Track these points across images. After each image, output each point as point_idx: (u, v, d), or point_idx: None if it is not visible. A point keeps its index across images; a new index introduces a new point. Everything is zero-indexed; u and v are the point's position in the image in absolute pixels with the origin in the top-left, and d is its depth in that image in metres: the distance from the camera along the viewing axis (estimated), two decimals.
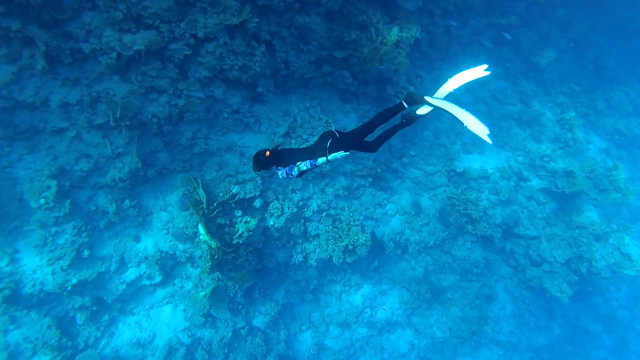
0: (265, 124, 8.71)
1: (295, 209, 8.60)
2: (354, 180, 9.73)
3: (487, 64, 4.31)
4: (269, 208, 8.39)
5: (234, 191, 7.98)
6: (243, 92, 8.35)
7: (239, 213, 7.99)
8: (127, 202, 7.69)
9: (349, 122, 9.58)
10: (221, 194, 8.00)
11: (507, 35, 10.83)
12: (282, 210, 8.46)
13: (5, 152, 6.67)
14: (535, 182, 11.19)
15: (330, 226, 8.95)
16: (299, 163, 4.06)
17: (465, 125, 4.10)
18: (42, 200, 6.88)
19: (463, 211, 10.10)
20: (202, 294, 7.94)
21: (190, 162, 8.16)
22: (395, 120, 4.57)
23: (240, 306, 8.61)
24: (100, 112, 7.13)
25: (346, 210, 9.34)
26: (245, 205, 8.16)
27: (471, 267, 10.51)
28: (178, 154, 8.04)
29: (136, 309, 8.01)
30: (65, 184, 7.13)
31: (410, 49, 9.26)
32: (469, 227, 10.26)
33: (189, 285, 8.26)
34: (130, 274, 7.81)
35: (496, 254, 11.00)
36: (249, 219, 7.98)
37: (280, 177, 4.07)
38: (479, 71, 4.19)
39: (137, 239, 7.93)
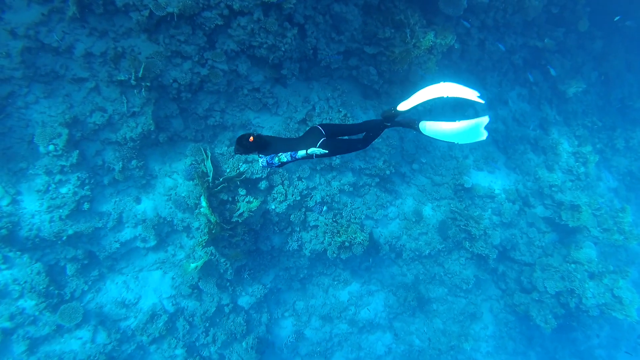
0: (283, 107, 8.71)
1: (299, 197, 8.68)
2: (361, 178, 9.80)
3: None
4: (273, 192, 8.47)
5: (241, 169, 8.04)
6: (267, 71, 8.33)
7: (242, 192, 8.06)
8: (134, 162, 7.75)
9: (367, 118, 9.60)
10: (228, 170, 8.06)
11: (553, 71, 10.79)
12: (286, 196, 8.54)
13: (23, 93, 6.68)
14: (539, 210, 11.29)
15: (330, 220, 9.05)
16: (280, 154, 3.98)
17: (447, 95, 4.05)
18: (51, 147, 6.92)
19: (464, 227, 10.22)
20: (193, 265, 8.07)
21: (202, 133, 8.19)
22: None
23: (228, 283, 8.76)
24: (122, 68, 7.12)
25: (348, 206, 9.44)
26: (250, 185, 8.23)
27: (461, 283, 10.68)
28: (192, 122, 8.07)
29: (126, 269, 8.15)
30: (76, 134, 7.17)
31: (441, 56, 9.23)
32: (467, 243, 10.40)
33: (181, 255, 8.39)
34: (126, 234, 7.91)
35: (488, 274, 11.16)
36: (251, 200, 8.07)
37: (261, 164, 4.03)
38: (472, 94, 4.08)
39: (137, 200, 8.01)
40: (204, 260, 8.05)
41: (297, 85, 8.90)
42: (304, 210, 8.90)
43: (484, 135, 4.02)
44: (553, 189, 11.21)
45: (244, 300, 9.00)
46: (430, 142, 10.79)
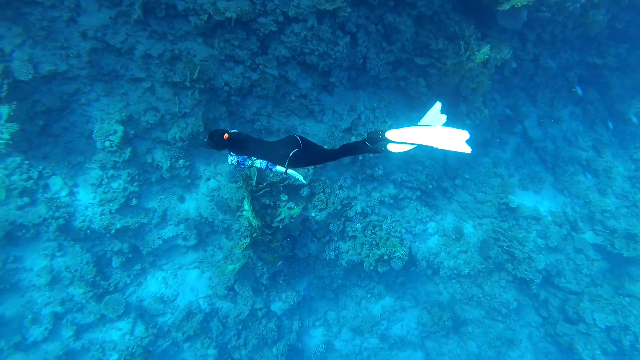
0: (328, 115, 8.72)
1: (339, 206, 8.62)
2: (402, 191, 9.64)
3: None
4: (314, 199, 8.45)
5: (284, 175, 8.07)
6: (315, 78, 8.37)
7: (284, 197, 8.10)
8: (181, 161, 7.96)
9: None
10: (271, 175, 8.12)
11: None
12: (326, 205, 8.51)
13: (86, 91, 7.02)
14: (588, 236, 10.67)
15: (370, 231, 8.93)
16: (255, 159, 3.79)
17: (437, 147, 3.79)
18: (107, 143, 7.22)
19: (507, 248, 9.81)
20: (230, 267, 8.16)
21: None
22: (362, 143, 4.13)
23: (263, 288, 8.81)
24: (177, 70, 7.34)
25: (388, 219, 9.28)
26: (292, 191, 8.26)
27: (500, 307, 10.25)
28: (239, 125, 8.20)
29: (166, 266, 8.35)
30: (130, 131, 7.44)
31: (494, 70, 8.96)
32: (509, 265, 9.98)
33: (219, 256, 8.51)
34: (169, 231, 8.12)
35: (529, 300, 10.65)
36: (293, 206, 8.09)
37: (229, 163, 3.80)
38: (462, 143, 3.76)
39: (181, 199, 8.21)
40: (242, 263, 8.13)
41: (344, 94, 8.88)
42: (343, 219, 8.84)
43: (467, 148, 3.72)
44: (605, 214, 10.58)
45: (277, 306, 9.01)
46: (474, 158, 10.49)
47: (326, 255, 8.96)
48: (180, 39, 7.36)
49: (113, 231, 7.47)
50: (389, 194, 9.35)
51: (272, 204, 8.04)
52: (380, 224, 9.17)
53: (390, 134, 3.89)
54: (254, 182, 7.81)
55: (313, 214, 8.46)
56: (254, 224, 7.59)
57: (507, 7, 7.61)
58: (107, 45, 6.98)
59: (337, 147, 4.30)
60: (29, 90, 6.60)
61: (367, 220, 9.05)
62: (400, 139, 3.90)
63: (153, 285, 8.16)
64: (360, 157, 8.91)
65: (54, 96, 6.83)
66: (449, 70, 8.34)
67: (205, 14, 6.99)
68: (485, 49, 8.16)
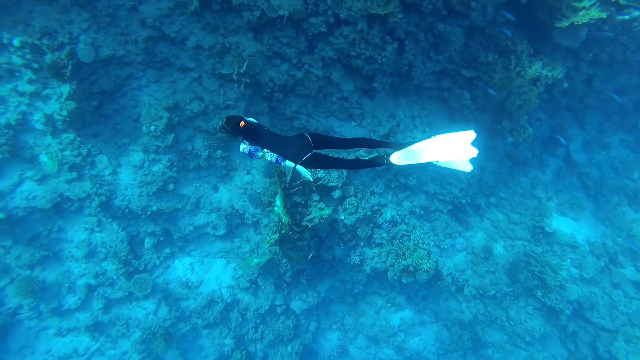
0: (367, 119, 8.71)
1: (370, 212, 8.59)
2: (434, 203, 9.50)
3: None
4: (345, 202, 8.46)
5: (319, 175, 8.14)
6: (358, 82, 8.39)
7: (316, 197, 8.16)
8: (219, 152, 8.17)
9: None
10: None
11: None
12: (357, 209, 8.50)
13: (139, 76, 7.33)
14: (629, 272, 10.13)
15: (397, 241, 8.85)
16: (267, 151, 3.86)
17: (440, 163, 3.93)
18: (152, 127, 7.51)
19: (538, 273, 9.47)
20: (255, 260, 8.29)
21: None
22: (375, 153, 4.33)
23: (285, 285, 8.89)
24: (225, 63, 7.55)
25: (417, 230, 9.17)
26: (324, 192, 8.30)
27: (524, 333, 9.89)
28: (278, 122, 8.33)
29: (194, 252, 8.59)
30: (174, 118, 7.70)
31: (543, 87, 8.68)
32: (539, 292, 9.63)
33: (246, 248, 8.67)
34: (200, 219, 8.34)
35: (556, 330, 10.22)
36: (323, 207, 8.13)
37: (241, 150, 3.86)
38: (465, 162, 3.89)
39: (215, 189, 8.43)
40: (267, 258, 8.24)
41: (385, 100, 8.85)
42: (372, 226, 8.80)
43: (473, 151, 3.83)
44: None
45: (297, 305, 9.07)
46: (512, 177, 10.19)
47: (351, 260, 8.94)
48: (231, 32, 7.56)
49: (149, 213, 7.76)
50: (421, 204, 9.24)
51: (303, 202, 8.11)
52: (409, 234, 9.06)
53: (394, 158, 4.06)
54: (287, 179, 7.90)
55: (342, 217, 8.47)
56: (283, 221, 7.68)
57: (566, 25, 7.37)
58: (163, 34, 7.27)
59: (348, 157, 4.36)
60: (88, 71, 6.97)
61: (396, 229, 8.97)
62: (404, 162, 4.04)
63: (180, 270, 8.41)
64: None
65: (109, 79, 7.17)
66: (496, 85, 8.16)
67: (259, 10, 7.15)
68: (537, 66, 7.93)
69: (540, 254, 9.69)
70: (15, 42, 6.31)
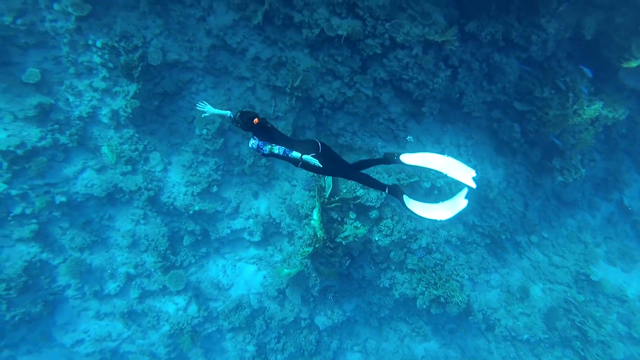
0: (412, 143, 8.75)
1: (405, 237, 8.55)
2: (472, 234, 9.31)
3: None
4: (381, 224, 8.47)
5: (357, 193, 8.23)
6: (407, 105, 8.49)
7: (353, 215, 8.24)
8: (263, 160, 8.47)
9: (494, 175, 9.14)
10: (345, 191, 8.32)
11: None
12: (392, 232, 8.48)
13: (198, 81, 7.81)
14: None
15: (430, 269, 8.73)
16: (274, 145, 3.92)
17: (446, 174, 4.10)
18: (204, 131, 7.95)
19: (579, 323, 8.99)
20: (286, 271, 8.44)
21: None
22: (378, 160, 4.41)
23: (312, 299, 8.96)
24: (280, 76, 7.90)
25: (452, 260, 9.00)
26: (362, 211, 8.37)
27: None
28: (324, 137, 8.54)
29: (228, 255, 8.87)
30: (225, 124, 8.11)
31: (602, 128, 8.40)
32: (577, 344, 9.11)
33: (278, 257, 8.85)
34: (237, 223, 8.63)
35: None
36: (359, 226, 8.19)
37: (249, 146, 3.96)
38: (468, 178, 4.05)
39: (255, 195, 8.71)
40: (298, 270, 8.37)
41: (432, 125, 8.88)
42: (405, 250, 8.73)
43: (473, 183, 4.02)
44: None
45: (321, 321, 9.09)
46: (557, 217, 9.81)
47: (380, 282, 8.89)
48: (289, 47, 7.91)
49: (191, 212, 8.13)
50: (458, 234, 9.09)
51: (339, 219, 8.22)
52: (443, 264, 8.91)
53: (404, 157, 4.24)
54: (327, 194, 8.06)
55: (377, 238, 8.48)
56: (319, 235, 7.80)
57: (634, 65, 7.15)
58: (225, 44, 7.73)
59: (355, 168, 4.38)
60: (154, 73, 7.51)
61: (430, 257, 8.85)
62: (413, 162, 4.21)
63: (213, 271, 8.70)
64: (428, 186, 8.77)
65: (171, 82, 7.69)
66: (550, 121, 7.99)
67: (318, 29, 7.46)
68: (597, 105, 7.71)
69: (583, 303, 9.21)
70: (98, 43, 6.96)
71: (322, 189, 8.15)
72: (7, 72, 6.89)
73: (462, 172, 4.11)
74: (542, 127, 8.23)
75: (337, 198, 8.08)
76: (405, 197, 4.26)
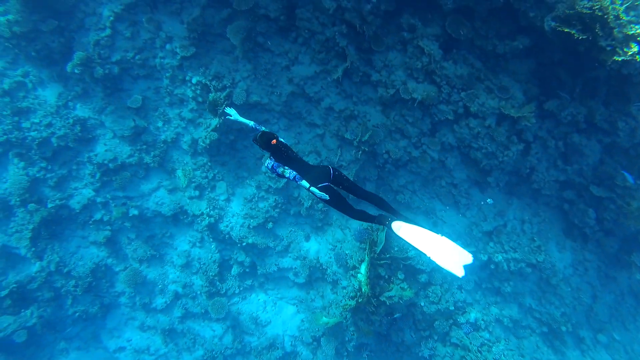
0: (473, 211, 8.62)
1: (452, 307, 8.25)
2: (527, 318, 8.73)
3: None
4: (429, 290, 8.29)
5: (409, 254, 8.19)
6: (472, 172, 8.46)
7: (401, 276, 8.16)
8: (320, 205, 8.79)
9: (560, 259, 8.63)
10: (396, 249, 8.32)
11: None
12: (439, 300, 8.24)
13: (273, 122, 8.49)
14: None
15: (476, 348, 8.25)
16: (287, 169, 4.08)
17: (432, 259, 3.71)
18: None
19: None
20: (325, 319, 8.44)
21: (388, 205, 8.75)
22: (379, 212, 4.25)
23: (345, 354, 8.79)
24: (349, 128, 8.33)
25: (502, 343, 8.45)
26: (411, 272, 8.27)
27: None
28: (383, 192, 8.73)
29: (270, 292, 9.10)
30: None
31: None
32: None
33: (319, 303, 8.90)
34: (285, 262, 8.90)
35: None
36: (406, 287, 8.07)
37: (264, 165, 4.13)
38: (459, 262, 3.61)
39: (307, 238, 8.99)
40: (336, 321, 8.34)
41: (496, 196, 8.70)
42: (451, 322, 8.39)
43: (461, 271, 3.60)
44: None
45: None
46: (634, 320, 8.89)
47: (420, 351, 8.54)
48: (362, 102, 8.38)
49: (244, 244, 8.57)
50: (511, 315, 8.57)
51: (387, 277, 8.17)
52: (491, 345, 8.39)
53: (396, 225, 3.95)
54: (378, 249, 8.11)
55: (422, 304, 8.27)
56: (363, 290, 7.81)
57: None
58: (303, 92, 8.38)
59: (355, 207, 4.35)
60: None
61: (477, 334, 8.40)
62: (404, 234, 3.90)
63: (254, 304, 8.95)
64: (484, 260, 8.43)
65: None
66: (632, 213, 7.50)
67: (393, 90, 7.86)
68: None
69: None
70: (194, 80, 7.92)
71: (373, 243, 8.23)
72: (118, 97, 8.03)
73: (454, 259, 3.67)
74: (622, 218, 7.74)
75: (387, 255, 8.10)
76: (395, 223, 3.96)
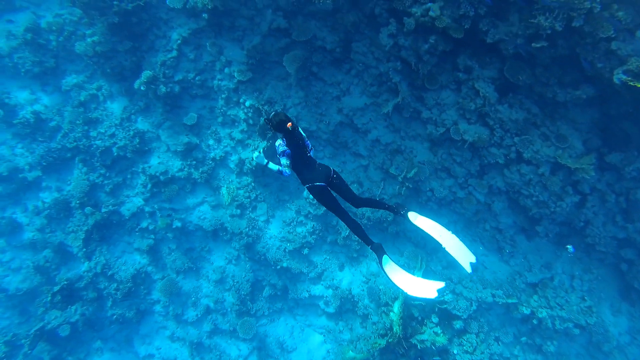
0: (517, 260, 8.33)
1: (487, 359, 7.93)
2: None
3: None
4: (463, 337, 8.02)
5: (446, 298, 8.02)
6: (520, 218, 8.21)
7: (435, 319, 7.97)
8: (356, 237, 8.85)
9: (614, 324, 8.09)
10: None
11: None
12: (474, 350, 7.94)
13: (319, 149, 8.72)
14: None
15: None
16: (286, 159, 4.23)
17: (444, 247, 4.29)
18: (311, 196, 8.70)
19: None
20: (351, 354, 8.36)
21: (426, 243, 8.67)
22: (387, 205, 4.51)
23: None
24: (395, 162, 8.40)
25: None
26: (445, 317, 8.06)
27: None
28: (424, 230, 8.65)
29: (299, 317, 9.18)
30: None
31: None
32: None
33: (346, 335, 8.85)
34: (317, 289, 8.97)
35: None
36: (439, 332, 7.85)
37: (276, 145, 4.22)
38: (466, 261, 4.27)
39: (341, 267, 9.03)
40: (363, 358, 8.23)
41: (544, 246, 8.37)
42: None
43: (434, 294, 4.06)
44: None
45: None
46: None
47: None
48: (410, 137, 8.45)
49: (278, 267, 8.75)
50: None
51: (420, 318, 8.01)
52: None
53: (412, 215, 4.39)
54: None
55: (455, 351, 8.00)
56: (394, 330, 7.69)
57: None
58: (351, 123, 8.59)
59: (359, 204, 4.50)
60: None
61: None
62: (392, 275, 4.19)
63: (281, 328, 9.06)
64: (527, 313, 8.03)
65: None
66: None
67: (443, 128, 7.88)
68: None
69: None
70: (247, 103, 8.36)
71: None
72: (176, 113, 8.64)
73: (462, 254, 4.31)
74: None
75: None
76: (385, 258, 4.22)
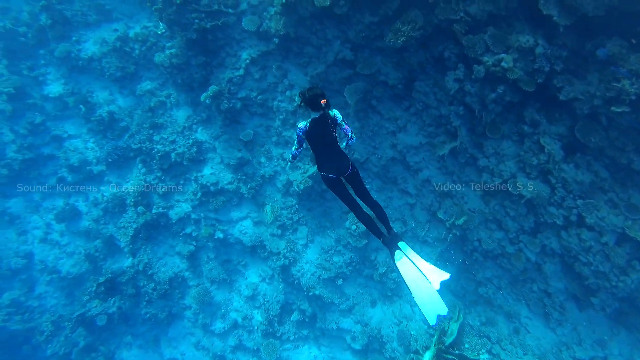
0: (565, 329, 7.79)
1: None
2: None
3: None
4: None
5: (481, 357, 7.66)
6: (573, 286, 7.71)
7: None
8: (395, 274, 8.73)
9: None
10: (467, 346, 7.84)
11: None
12: None
13: (367, 181, 8.79)
14: None
15: None
16: (301, 144, 4.14)
17: (413, 296, 3.88)
18: (353, 227, 8.74)
19: None
20: None
21: (466, 295, 8.38)
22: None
23: None
24: (443, 206, 8.27)
25: None
26: None
27: None
28: (464, 279, 8.39)
29: (324, 348, 9.11)
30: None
31: None
32: None
33: None
34: (346, 323, 8.88)
35: None
36: None
37: (297, 126, 4.10)
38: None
39: (373, 304, 8.92)
40: None
41: (598, 320, 7.79)
42: None
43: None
44: None
45: None
46: None
47: None
48: (463, 182, 8.29)
49: (310, 293, 8.80)
50: None
51: None
52: None
53: (398, 256, 3.91)
54: (448, 341, 7.73)
55: None
56: None
57: None
58: (403, 159, 8.60)
59: (365, 215, 4.27)
60: None
61: None
62: (404, 273, 3.88)
63: (304, 356, 9.03)
64: None
65: None
66: None
67: (500, 179, 7.68)
68: None
69: None
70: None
71: (444, 333, 7.88)
72: (234, 128, 9.10)
73: (432, 307, 3.82)
74: None
75: (456, 351, 7.66)
76: (397, 253, 3.94)
